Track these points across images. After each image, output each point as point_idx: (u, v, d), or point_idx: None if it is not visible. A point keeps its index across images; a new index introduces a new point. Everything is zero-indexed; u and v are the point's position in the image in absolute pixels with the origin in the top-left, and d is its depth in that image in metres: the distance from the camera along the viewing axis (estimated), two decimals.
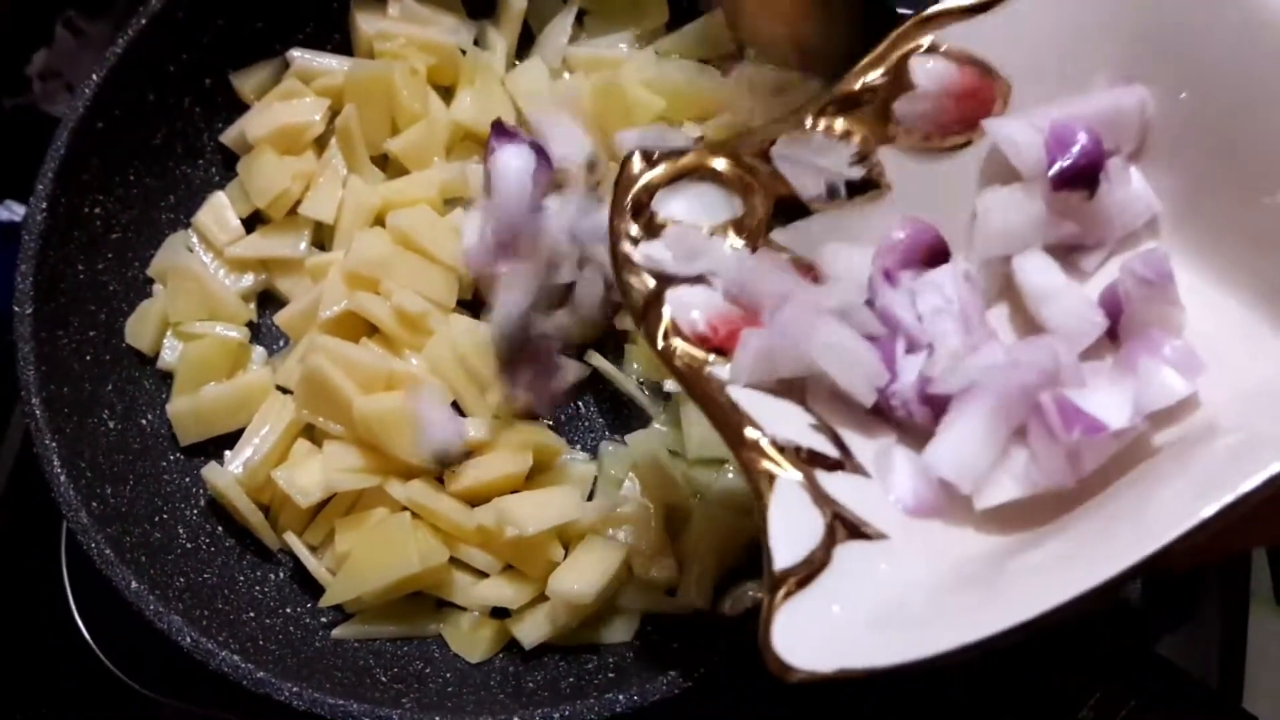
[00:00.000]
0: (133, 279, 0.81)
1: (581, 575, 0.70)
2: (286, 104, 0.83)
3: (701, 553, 0.71)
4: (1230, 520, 0.40)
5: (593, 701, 0.64)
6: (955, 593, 0.46)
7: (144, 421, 0.79)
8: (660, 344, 0.53)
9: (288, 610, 0.74)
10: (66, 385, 0.75)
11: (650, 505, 0.74)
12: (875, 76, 0.57)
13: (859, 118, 0.57)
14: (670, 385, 0.76)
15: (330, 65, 0.84)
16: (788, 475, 0.49)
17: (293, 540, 0.74)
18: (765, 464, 0.49)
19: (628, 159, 0.57)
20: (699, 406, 0.52)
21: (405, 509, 0.72)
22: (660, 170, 0.57)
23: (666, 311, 0.54)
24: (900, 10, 0.74)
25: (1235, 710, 0.71)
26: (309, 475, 0.73)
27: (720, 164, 0.57)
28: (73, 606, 0.80)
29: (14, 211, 0.99)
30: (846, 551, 0.47)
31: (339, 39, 0.86)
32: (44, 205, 0.75)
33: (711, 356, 0.53)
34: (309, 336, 0.77)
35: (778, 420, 0.51)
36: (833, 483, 0.50)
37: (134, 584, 0.68)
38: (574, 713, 0.64)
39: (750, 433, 0.50)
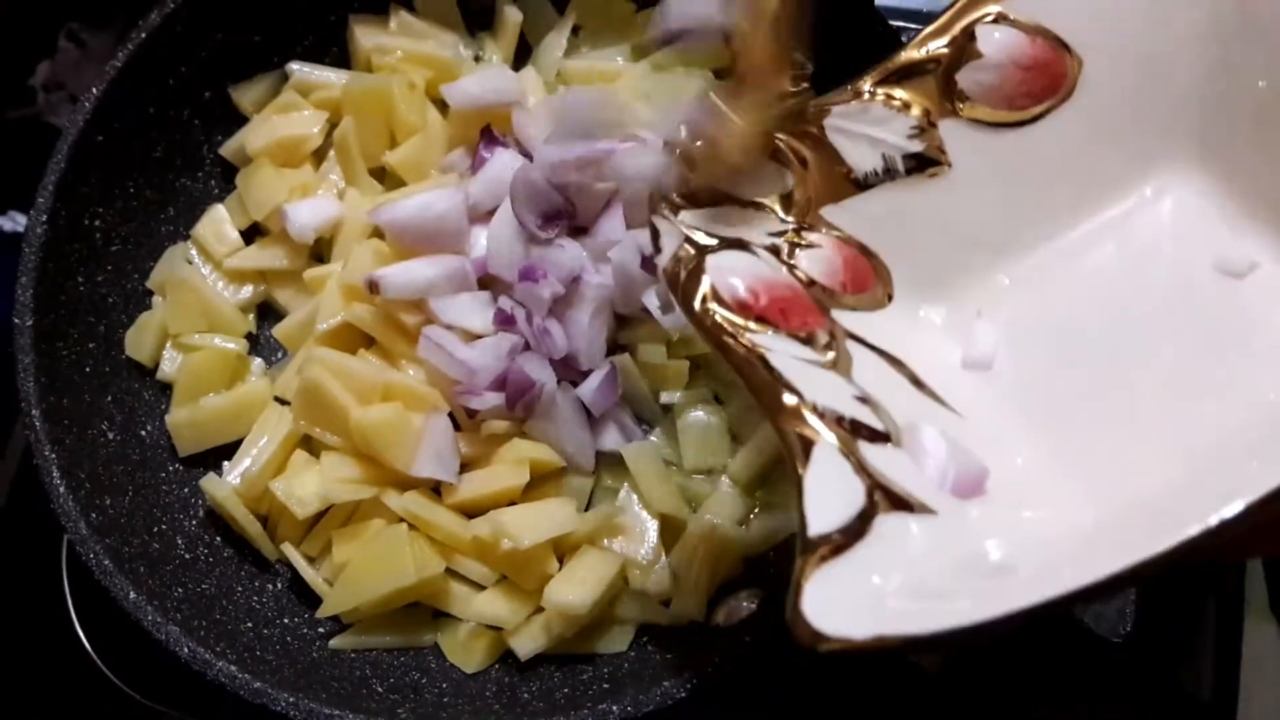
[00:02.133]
0: (132, 291, 0.82)
1: (577, 586, 0.70)
2: (285, 117, 0.84)
3: (696, 564, 0.71)
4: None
5: (587, 712, 0.64)
6: (998, 568, 0.45)
7: (143, 432, 0.79)
8: (698, 309, 0.51)
9: (285, 620, 0.74)
10: (66, 397, 0.75)
11: (646, 516, 0.74)
12: (939, 45, 0.55)
13: (920, 88, 0.55)
14: (668, 397, 0.76)
15: (328, 78, 0.85)
16: (827, 441, 0.46)
17: (290, 551, 0.75)
18: (804, 429, 0.47)
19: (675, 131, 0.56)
20: (736, 372, 0.50)
21: (402, 520, 0.73)
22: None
23: (706, 278, 0.52)
24: (894, 23, 0.75)
25: None
26: (307, 486, 0.74)
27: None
28: (73, 616, 0.81)
29: (17, 222, 1.00)
30: (888, 523, 0.45)
31: (337, 52, 0.87)
32: (44, 218, 0.76)
33: (752, 323, 0.51)
34: (307, 348, 0.77)
35: (820, 390, 0.49)
36: (877, 455, 0.48)
37: (133, 594, 0.68)
38: None
39: (789, 399, 0.48)
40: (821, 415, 0.47)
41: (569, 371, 0.75)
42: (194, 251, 0.84)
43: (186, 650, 0.67)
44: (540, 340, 0.73)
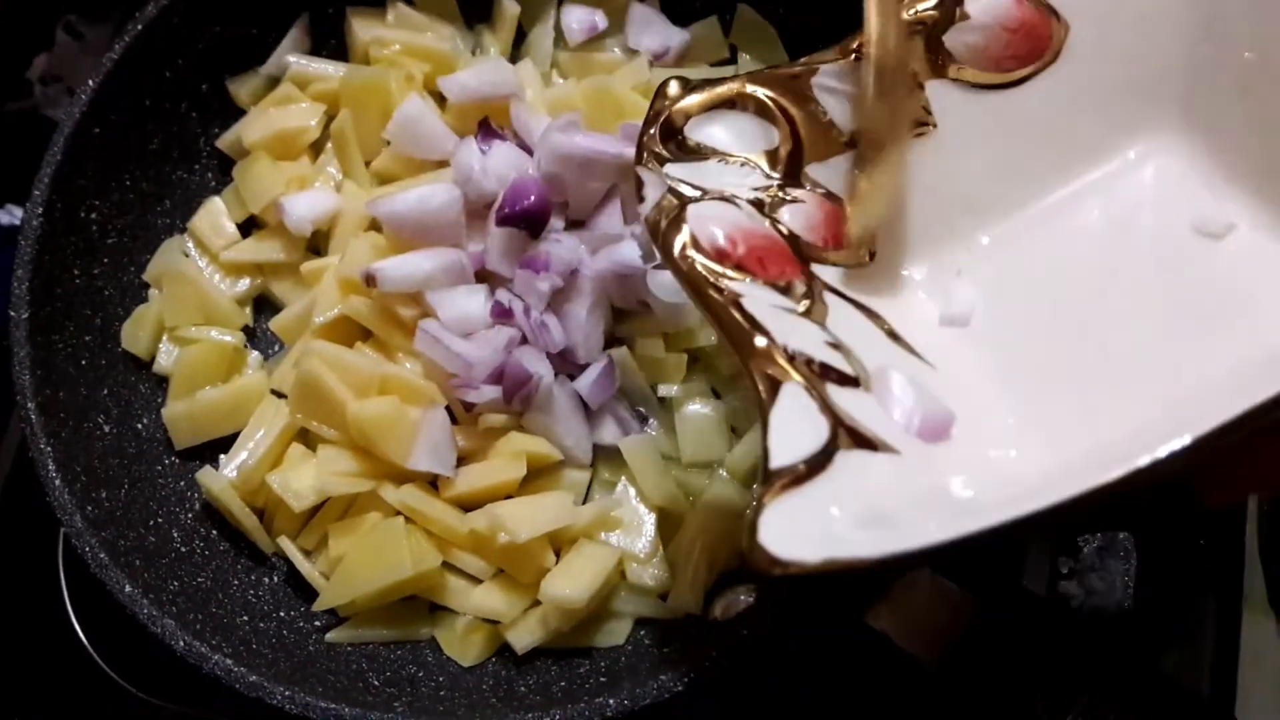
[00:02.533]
0: (128, 284, 0.82)
1: (574, 579, 0.70)
2: (282, 109, 0.83)
3: (694, 557, 0.71)
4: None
5: (584, 705, 0.64)
6: (962, 503, 0.46)
7: (139, 426, 0.79)
8: (677, 255, 0.53)
9: (281, 614, 0.74)
10: (62, 390, 0.75)
11: (643, 509, 0.74)
12: (927, 7, 0.56)
13: (908, 49, 0.56)
14: (665, 390, 0.76)
15: (326, 71, 0.84)
16: (795, 380, 0.48)
17: (286, 544, 0.74)
18: (772, 370, 0.48)
19: (665, 84, 0.56)
20: (711, 318, 0.51)
21: (399, 513, 0.73)
22: (697, 97, 0.56)
23: (686, 227, 0.53)
24: None
25: (1227, 716, 0.71)
26: (303, 479, 0.73)
27: (760, 93, 0.56)
28: (69, 610, 0.81)
29: (14, 215, 1.00)
30: (849, 459, 0.46)
31: (335, 44, 0.87)
32: (40, 210, 0.76)
33: (730, 271, 0.53)
34: (303, 341, 0.77)
35: (793, 335, 0.51)
36: (845, 397, 0.49)
37: (128, 588, 0.68)
38: (565, 717, 0.64)
39: (760, 341, 0.49)
40: (791, 358, 0.49)
41: (566, 365, 0.75)
42: (190, 244, 0.84)
43: (182, 643, 0.67)
44: (538, 333, 0.73)
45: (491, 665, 0.73)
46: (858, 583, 0.68)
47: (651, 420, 0.77)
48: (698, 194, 0.55)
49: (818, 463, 0.45)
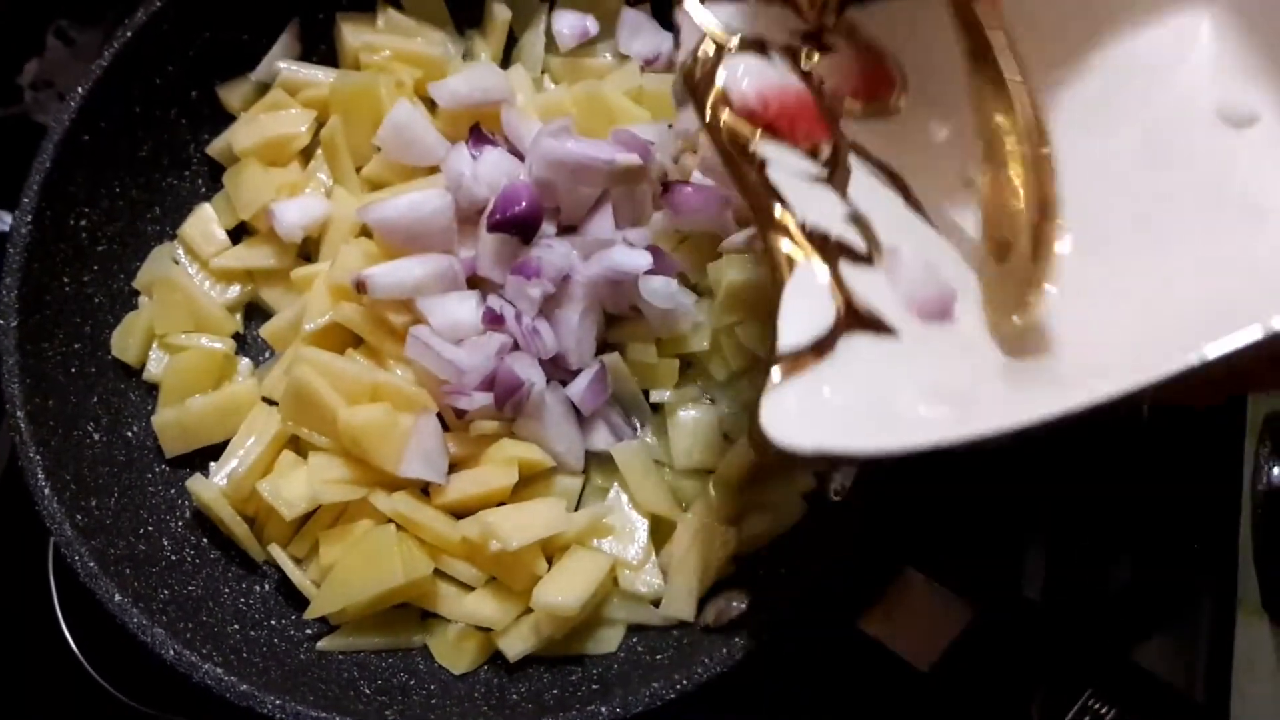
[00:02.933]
0: (118, 291, 0.82)
1: (566, 587, 0.69)
2: (272, 115, 0.83)
3: (687, 564, 0.71)
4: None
5: (576, 713, 0.64)
6: (951, 398, 0.46)
7: (129, 433, 0.79)
8: (708, 114, 0.53)
9: (272, 622, 0.74)
10: (51, 398, 0.75)
11: (636, 516, 0.74)
12: None
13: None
14: (658, 395, 0.76)
15: (316, 77, 0.84)
16: (810, 259, 0.48)
17: (277, 552, 0.74)
18: (790, 247, 0.48)
19: None
20: (735, 183, 0.51)
21: (390, 521, 0.72)
22: None
23: (720, 78, 0.53)
24: None
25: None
26: (294, 487, 0.73)
27: None
28: (60, 618, 0.80)
29: (3, 222, 0.99)
30: (852, 342, 0.47)
31: (325, 50, 0.87)
32: (29, 218, 0.76)
33: (758, 133, 0.53)
34: (294, 348, 0.76)
35: (813, 207, 0.50)
36: (856, 275, 0.49)
37: (118, 596, 0.68)
38: None
39: (780, 212, 0.49)
40: (810, 234, 0.49)
41: (558, 371, 0.75)
42: (181, 251, 0.84)
43: (172, 652, 0.66)
44: (529, 339, 0.73)
45: (483, 673, 0.73)
46: (850, 587, 0.69)
47: (644, 426, 0.77)
48: (733, 41, 0.55)
49: (823, 345, 0.46)
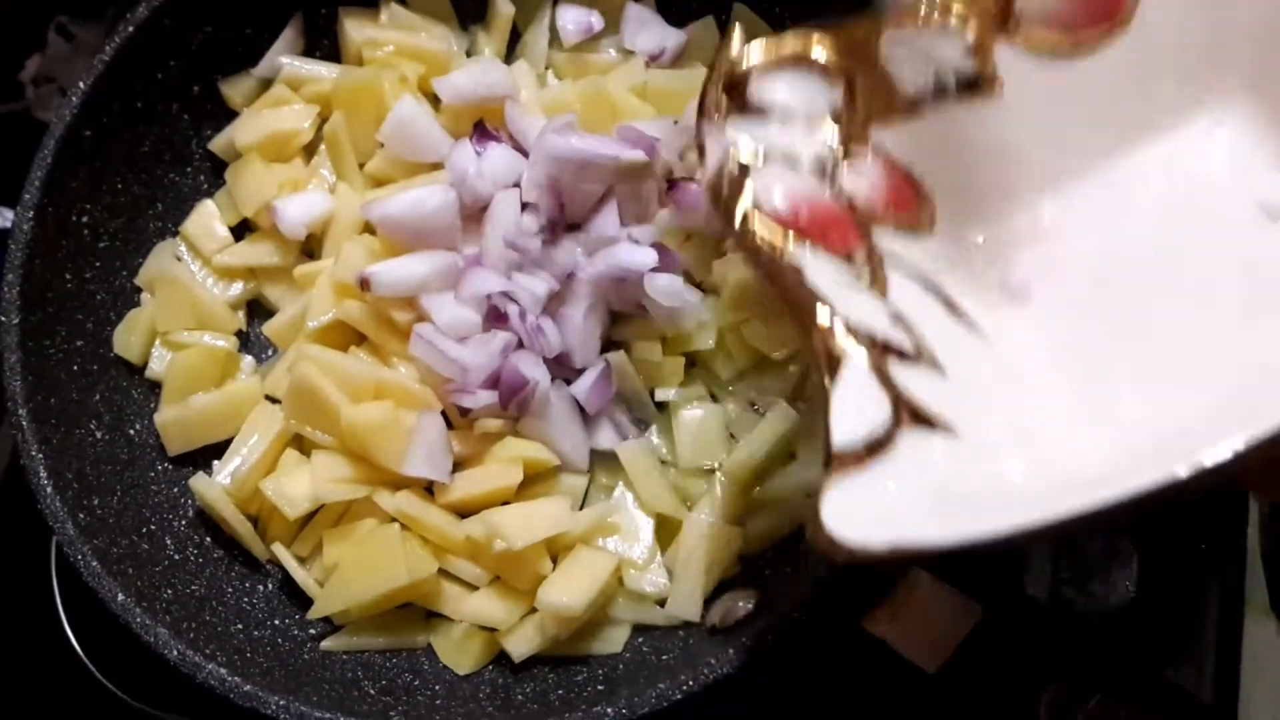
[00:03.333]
0: (120, 288, 0.81)
1: (570, 587, 0.69)
2: (275, 111, 0.83)
3: (692, 564, 0.71)
4: None
5: (581, 714, 0.64)
6: (1018, 488, 0.46)
7: (132, 431, 0.78)
8: (739, 223, 0.53)
9: (276, 622, 0.74)
10: (54, 395, 0.74)
11: (641, 515, 0.74)
12: None
13: (977, 7, 0.55)
14: (663, 394, 0.76)
15: (319, 72, 0.84)
16: (857, 357, 0.48)
17: (281, 551, 0.74)
18: (835, 346, 0.48)
19: (728, 39, 0.56)
20: (773, 288, 0.51)
21: (394, 520, 0.72)
22: (761, 54, 0.56)
23: (749, 190, 0.53)
24: None
25: None
26: (297, 486, 0.73)
27: (824, 53, 0.56)
28: (63, 618, 0.80)
29: (5, 218, 0.99)
30: (911, 438, 0.46)
31: (328, 45, 0.86)
32: (31, 214, 0.75)
33: (791, 238, 0.52)
34: (297, 346, 0.76)
35: (854, 308, 0.51)
36: (905, 374, 0.49)
37: (121, 596, 0.67)
38: None
39: (823, 315, 0.49)
40: (853, 332, 0.49)
41: (563, 369, 0.75)
42: (183, 248, 0.83)
43: (176, 653, 0.66)
44: (534, 338, 0.72)
45: (488, 673, 0.72)
46: (857, 587, 0.68)
47: (649, 425, 0.76)
48: (759, 157, 0.55)
49: (880, 442, 0.46)
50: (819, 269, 0.52)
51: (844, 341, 0.49)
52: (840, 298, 0.51)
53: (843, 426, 0.46)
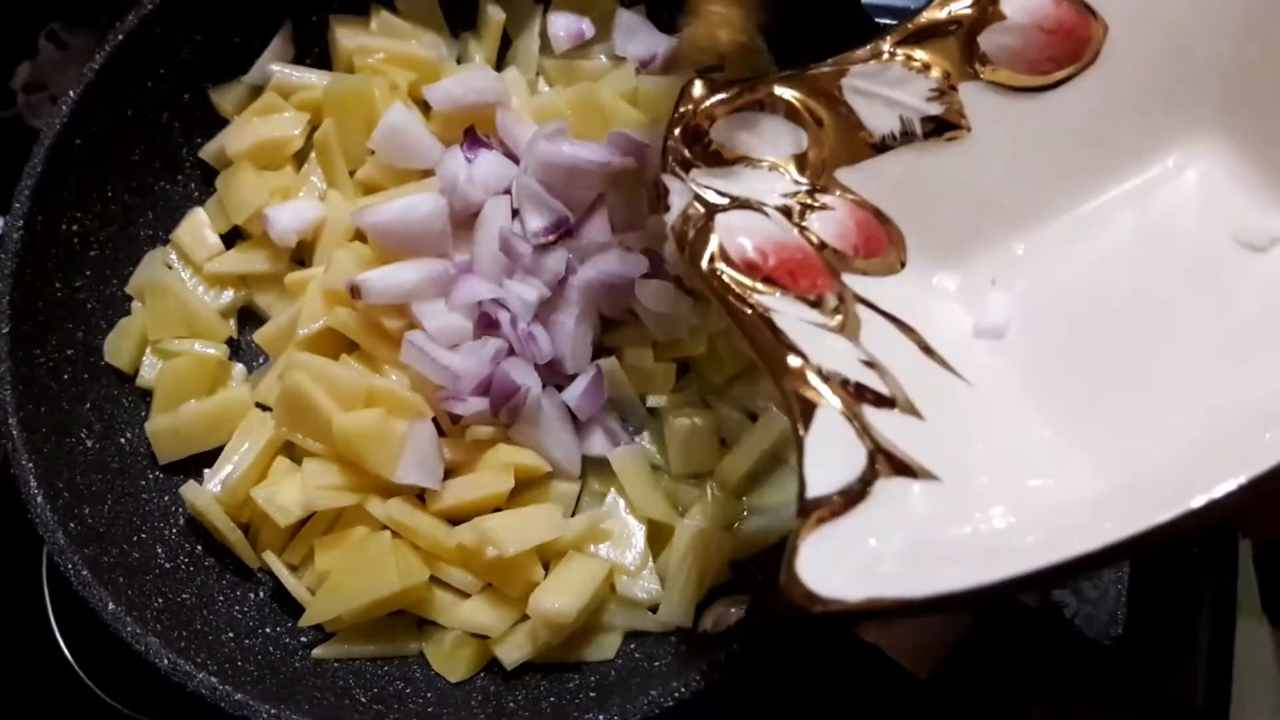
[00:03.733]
0: (111, 296, 0.81)
1: (562, 594, 0.69)
2: (266, 119, 0.83)
3: (684, 570, 0.71)
4: None
5: None
6: (1002, 535, 0.45)
7: (123, 440, 0.78)
8: (705, 268, 0.52)
9: (267, 630, 0.74)
10: (44, 404, 0.74)
11: (633, 521, 0.74)
12: (962, 6, 0.54)
13: (941, 50, 0.55)
14: (655, 400, 0.76)
15: (309, 80, 0.84)
16: (830, 404, 0.47)
17: (272, 559, 0.74)
18: (807, 392, 0.47)
19: (689, 84, 0.55)
20: (741, 335, 0.50)
21: (385, 528, 0.72)
22: (723, 99, 0.55)
23: (714, 237, 0.52)
24: (879, 20, 0.74)
25: None
26: (288, 493, 0.73)
27: (788, 95, 0.55)
28: (54, 626, 0.80)
29: None
30: (888, 487, 0.45)
31: (318, 53, 0.86)
32: (20, 223, 0.75)
33: (760, 284, 0.52)
34: (288, 353, 0.76)
35: (826, 353, 0.50)
36: (881, 419, 0.48)
37: (111, 605, 0.67)
38: None
39: (794, 361, 0.48)
40: (826, 378, 0.48)
41: (554, 376, 0.75)
42: (174, 256, 0.83)
43: (166, 662, 0.66)
44: (525, 344, 0.72)
45: (480, 681, 0.72)
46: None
47: (641, 431, 0.76)
48: (725, 201, 0.54)
49: (856, 492, 0.44)
50: (788, 313, 0.51)
51: (817, 387, 0.47)
52: (811, 343, 0.50)
53: (817, 475, 0.45)
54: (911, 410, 0.50)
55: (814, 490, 0.44)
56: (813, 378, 0.48)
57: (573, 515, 0.74)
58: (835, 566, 0.42)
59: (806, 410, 0.47)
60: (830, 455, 0.46)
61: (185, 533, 0.76)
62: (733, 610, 0.70)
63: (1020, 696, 0.70)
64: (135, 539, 0.74)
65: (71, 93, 0.77)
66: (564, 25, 0.84)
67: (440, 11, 0.86)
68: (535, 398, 0.72)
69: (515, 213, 0.76)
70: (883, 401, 0.49)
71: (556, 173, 0.74)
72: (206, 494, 0.74)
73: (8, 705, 0.83)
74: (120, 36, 0.78)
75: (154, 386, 0.79)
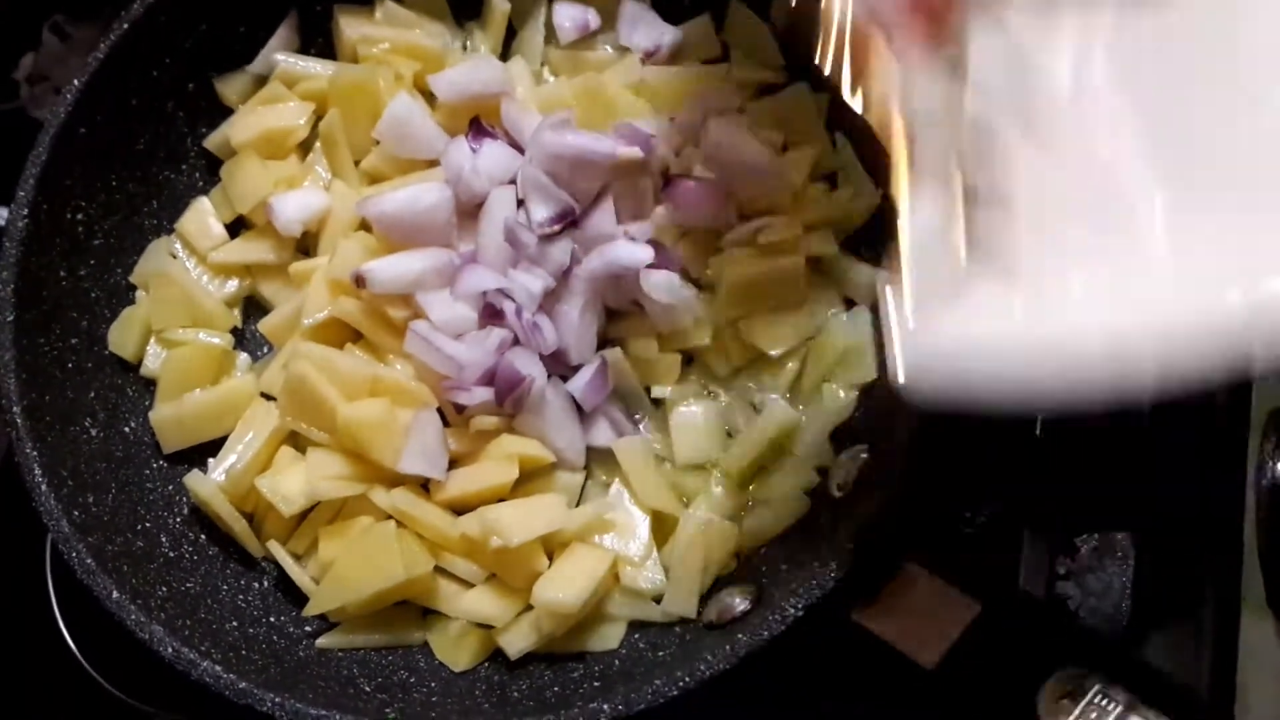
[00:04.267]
0: (115, 285, 0.81)
1: (566, 584, 0.69)
2: (270, 108, 0.83)
3: (689, 560, 0.71)
4: None
5: (577, 711, 0.63)
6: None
7: (127, 429, 0.78)
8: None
9: (271, 619, 0.74)
10: (48, 393, 0.74)
11: (637, 512, 0.74)
12: None
13: None
14: (659, 391, 0.76)
15: (314, 69, 0.84)
16: (936, 201, 0.49)
17: (276, 549, 0.73)
18: (916, 179, 0.49)
19: None
20: (869, 117, 0.53)
21: (390, 517, 0.72)
22: None
23: None
24: None
25: (1226, 717, 0.71)
26: (293, 483, 0.73)
27: None
28: (58, 615, 0.80)
29: (1, 216, 0.99)
30: (984, 288, 0.46)
31: (323, 43, 0.86)
32: (25, 212, 0.75)
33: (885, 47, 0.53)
34: (293, 343, 0.76)
35: (942, 140, 0.50)
36: (984, 218, 0.48)
37: (115, 594, 0.67)
38: None
39: (908, 154, 0.51)
40: (936, 175, 0.49)
41: (559, 366, 0.74)
42: (178, 245, 0.83)
43: (170, 650, 0.66)
44: (530, 335, 0.72)
45: (484, 670, 0.72)
46: (851, 583, 0.68)
47: (645, 422, 0.76)
48: None
49: (951, 291, 0.46)
50: (919, 88, 0.52)
51: (930, 183, 0.49)
52: (930, 133, 0.51)
53: (916, 276, 0.47)
54: (1006, 205, 0.50)
55: (912, 289, 0.47)
56: (925, 174, 0.49)
57: (577, 506, 0.74)
58: (928, 360, 0.45)
59: (914, 197, 0.49)
60: (930, 255, 0.48)
61: (189, 522, 0.76)
62: (737, 600, 0.70)
63: (1024, 687, 0.70)
64: (139, 528, 0.74)
65: (76, 81, 0.77)
66: (569, 15, 0.84)
67: (445, 1, 0.86)
68: (540, 388, 0.72)
69: (520, 203, 0.75)
70: (988, 200, 0.49)
71: (561, 163, 0.74)
72: (211, 483, 0.74)
73: (11, 694, 0.84)
74: (125, 26, 0.78)
75: (158, 376, 0.79)
